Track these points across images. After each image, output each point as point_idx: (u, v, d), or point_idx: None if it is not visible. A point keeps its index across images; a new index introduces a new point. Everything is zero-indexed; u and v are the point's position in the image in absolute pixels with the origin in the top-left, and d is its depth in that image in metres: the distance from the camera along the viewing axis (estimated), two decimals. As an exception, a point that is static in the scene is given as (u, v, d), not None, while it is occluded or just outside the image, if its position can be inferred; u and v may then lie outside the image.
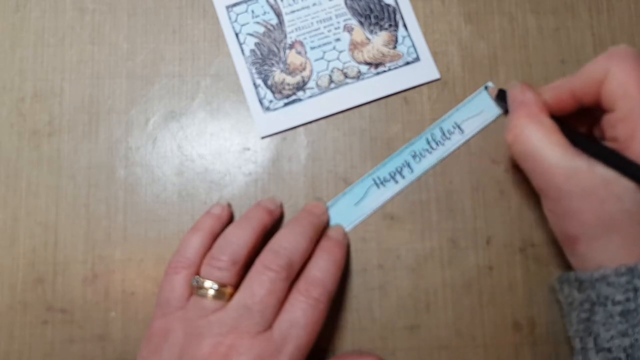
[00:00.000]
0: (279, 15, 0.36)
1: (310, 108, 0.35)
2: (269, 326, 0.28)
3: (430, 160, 0.35)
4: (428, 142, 0.35)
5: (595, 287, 0.27)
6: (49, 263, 0.34)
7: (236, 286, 0.29)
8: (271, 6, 0.36)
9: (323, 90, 0.35)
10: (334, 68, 0.36)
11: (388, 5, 0.36)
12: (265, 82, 0.36)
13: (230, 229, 0.31)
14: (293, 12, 0.36)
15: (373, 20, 0.36)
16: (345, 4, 0.36)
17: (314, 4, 0.36)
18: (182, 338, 0.28)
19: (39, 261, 0.34)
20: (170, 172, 0.35)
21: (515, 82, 0.31)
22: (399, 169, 0.34)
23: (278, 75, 0.36)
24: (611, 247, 0.26)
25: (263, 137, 0.35)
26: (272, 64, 0.36)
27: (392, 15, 0.36)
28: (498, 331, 0.33)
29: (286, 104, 0.35)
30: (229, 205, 0.34)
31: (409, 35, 0.36)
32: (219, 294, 0.28)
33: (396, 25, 0.36)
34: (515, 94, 0.30)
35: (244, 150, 0.35)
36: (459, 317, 0.33)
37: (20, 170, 0.34)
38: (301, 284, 0.29)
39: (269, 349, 0.27)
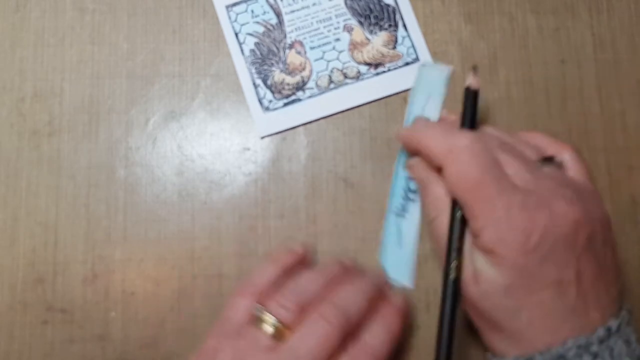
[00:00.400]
0: (278, 15, 0.36)
1: (309, 108, 0.35)
2: None
3: None
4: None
5: None
6: (49, 263, 0.34)
7: (293, 329, 0.28)
8: (271, 6, 0.36)
9: (323, 91, 0.35)
10: (333, 68, 0.36)
11: (388, 6, 0.36)
12: (264, 82, 0.36)
13: (307, 274, 0.30)
14: (293, 12, 0.36)
15: (373, 21, 0.36)
16: (345, 4, 0.36)
17: (314, 4, 0.36)
18: None
19: (39, 261, 0.34)
20: (170, 172, 0.35)
21: (412, 162, 0.32)
22: (405, 189, 0.34)
23: (278, 75, 0.36)
24: (499, 342, 0.27)
25: (262, 137, 0.35)
26: (272, 63, 0.36)
27: (391, 16, 0.36)
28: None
29: (286, 104, 0.35)
30: (310, 251, 0.34)
31: (408, 36, 0.36)
32: (277, 333, 0.28)
33: (396, 26, 0.36)
34: (421, 174, 0.31)
35: (244, 150, 0.35)
36: (459, 317, 0.33)
37: (20, 170, 0.35)
38: (353, 349, 0.28)
39: None
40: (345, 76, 0.36)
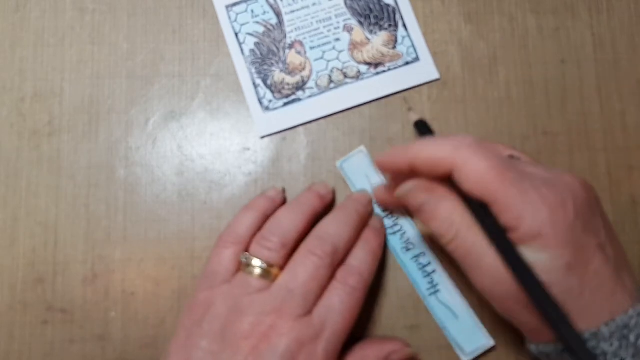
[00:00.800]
0: (278, 15, 0.36)
1: (309, 108, 0.35)
2: (310, 311, 0.28)
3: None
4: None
5: (563, 358, 0.26)
6: (49, 263, 0.34)
7: (282, 268, 0.30)
8: (271, 6, 0.36)
9: (323, 90, 0.35)
10: (333, 68, 0.36)
11: (388, 5, 0.36)
12: (264, 81, 0.36)
13: (281, 211, 0.31)
14: (293, 12, 0.36)
15: (373, 20, 0.36)
16: (345, 4, 0.36)
17: (314, 4, 0.36)
18: (225, 312, 0.28)
19: (39, 261, 0.34)
20: (170, 172, 0.35)
21: (409, 187, 0.29)
22: (420, 268, 0.34)
23: (278, 75, 0.36)
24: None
25: (262, 137, 0.35)
26: (272, 63, 0.36)
27: (391, 15, 0.36)
28: (498, 331, 0.33)
29: (286, 104, 0.35)
30: (284, 191, 0.34)
31: (408, 36, 0.36)
32: (265, 274, 0.29)
33: (396, 25, 0.36)
34: (420, 197, 0.28)
35: (244, 150, 0.35)
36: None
37: (20, 170, 0.35)
38: (339, 273, 0.30)
39: (308, 333, 0.27)
40: (345, 76, 0.36)
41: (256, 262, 0.29)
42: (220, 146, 0.35)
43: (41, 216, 0.34)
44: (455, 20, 0.37)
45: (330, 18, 0.36)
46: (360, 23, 0.36)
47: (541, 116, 0.36)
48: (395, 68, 0.36)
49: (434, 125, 0.35)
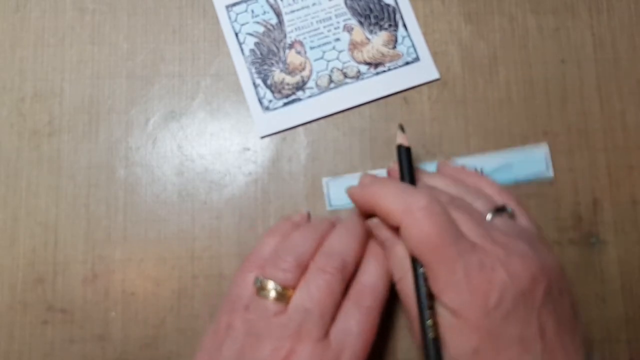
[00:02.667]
0: (278, 15, 0.36)
1: (309, 108, 0.35)
2: (327, 332, 0.28)
3: None
4: None
5: None
6: (49, 263, 0.34)
7: (297, 284, 0.29)
8: (271, 6, 0.36)
9: (322, 90, 0.35)
10: (333, 68, 0.36)
11: (388, 5, 0.36)
12: (264, 81, 0.36)
13: (296, 233, 0.31)
14: (293, 11, 0.36)
15: (373, 20, 0.36)
16: (345, 3, 0.36)
17: (314, 4, 0.36)
18: (243, 337, 0.28)
19: (39, 261, 0.34)
20: (170, 172, 0.35)
21: (373, 222, 0.30)
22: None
23: (277, 75, 0.36)
24: None
25: (262, 137, 0.35)
26: (272, 63, 0.36)
27: (391, 15, 0.36)
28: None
29: (286, 104, 0.35)
30: (309, 215, 0.34)
31: (408, 35, 0.36)
32: (280, 296, 0.28)
33: (396, 25, 0.36)
34: (381, 235, 0.30)
35: (244, 150, 0.35)
36: (458, 317, 0.33)
37: (20, 170, 0.35)
38: (353, 292, 0.29)
39: (327, 356, 0.27)
40: (345, 76, 0.36)
41: (271, 285, 0.29)
42: (220, 146, 0.35)
43: (41, 216, 0.34)
44: (455, 20, 0.37)
45: (330, 18, 0.36)
46: (360, 23, 0.36)
47: (541, 116, 0.35)
48: (395, 68, 0.36)
49: (434, 125, 0.35)
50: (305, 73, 0.36)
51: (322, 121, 0.35)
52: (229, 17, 0.36)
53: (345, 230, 0.31)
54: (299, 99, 0.35)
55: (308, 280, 0.29)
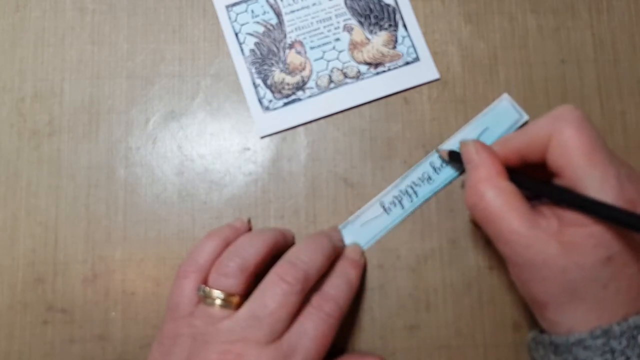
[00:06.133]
0: (278, 15, 0.36)
1: (309, 108, 0.35)
2: (279, 337, 0.27)
3: (432, 186, 0.35)
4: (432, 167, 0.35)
5: (572, 351, 0.26)
6: (49, 263, 0.34)
7: (243, 295, 0.29)
8: (271, 6, 0.36)
9: (323, 90, 0.35)
10: (333, 68, 0.36)
11: (388, 5, 0.36)
12: (264, 81, 0.36)
13: (241, 238, 0.31)
14: (293, 11, 0.36)
15: (373, 20, 0.36)
16: (345, 3, 0.36)
17: (314, 4, 0.36)
18: (190, 344, 0.27)
19: (39, 261, 0.34)
20: (170, 172, 0.35)
21: (467, 141, 0.30)
22: (403, 192, 0.34)
23: (278, 75, 0.36)
24: (579, 313, 0.26)
25: (262, 137, 0.35)
26: (272, 63, 0.36)
27: (391, 15, 0.36)
28: (498, 331, 0.33)
29: (286, 104, 0.35)
30: (249, 221, 0.34)
31: (408, 35, 0.36)
32: (225, 304, 0.28)
33: (396, 25, 0.36)
34: (470, 154, 0.29)
35: (244, 150, 0.35)
36: (459, 317, 0.33)
37: (20, 170, 0.35)
38: (314, 299, 0.29)
39: (276, 359, 0.27)
40: (345, 76, 0.36)
41: (215, 294, 0.28)
42: (220, 146, 0.35)
43: (41, 216, 0.34)
44: (455, 20, 0.37)
45: (330, 18, 0.36)
46: (360, 23, 0.36)
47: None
48: (395, 68, 0.36)
49: (433, 125, 0.35)
50: (305, 73, 0.36)
51: (322, 121, 0.35)
52: (229, 17, 0.36)
53: (313, 243, 0.30)
54: (299, 99, 0.35)
55: (264, 287, 0.28)
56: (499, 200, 0.27)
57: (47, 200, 0.34)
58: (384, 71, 0.36)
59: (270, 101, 0.35)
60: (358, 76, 0.36)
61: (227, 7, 0.36)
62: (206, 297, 0.28)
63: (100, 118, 0.35)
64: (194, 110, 0.36)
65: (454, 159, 0.33)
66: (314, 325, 0.28)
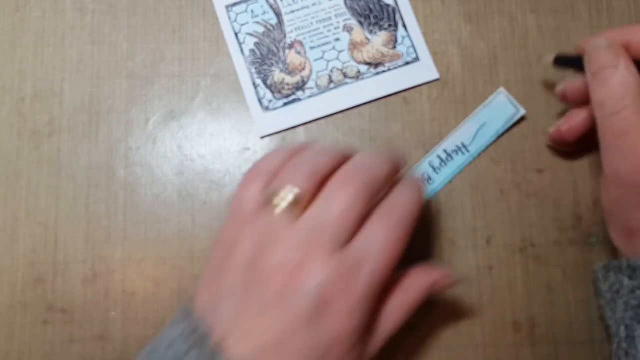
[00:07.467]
0: (278, 15, 0.36)
1: (309, 108, 0.35)
2: (345, 245, 0.25)
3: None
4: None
5: None
6: (49, 263, 0.34)
7: (310, 201, 0.26)
8: (271, 6, 0.36)
9: (322, 90, 0.35)
10: (333, 68, 0.36)
11: (388, 5, 0.36)
12: (264, 82, 0.36)
13: (315, 146, 0.28)
14: (293, 12, 0.36)
15: (373, 20, 0.36)
16: (345, 4, 0.36)
17: (314, 4, 0.36)
18: (253, 247, 0.26)
19: (39, 261, 0.34)
20: (170, 172, 0.35)
21: (599, 43, 0.27)
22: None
23: (277, 75, 0.36)
24: None
25: (262, 137, 0.35)
26: (272, 63, 0.36)
27: (391, 15, 0.36)
28: (498, 331, 0.33)
29: (285, 104, 0.35)
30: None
31: (408, 36, 0.36)
32: (293, 205, 0.26)
33: (396, 26, 0.36)
34: (606, 59, 0.27)
35: (244, 150, 0.35)
36: (459, 317, 0.33)
37: (20, 170, 0.35)
38: (380, 209, 0.27)
39: (344, 268, 0.25)
40: (345, 76, 0.36)
41: (283, 193, 0.26)
42: (220, 146, 0.35)
43: (41, 216, 0.34)
44: (455, 20, 0.37)
45: (330, 18, 0.36)
46: (360, 23, 0.36)
47: (541, 116, 0.35)
48: (395, 68, 0.36)
49: (433, 125, 0.35)
50: (305, 73, 0.36)
51: (322, 121, 0.35)
52: (229, 17, 0.36)
53: (382, 155, 0.28)
54: (299, 99, 0.35)
55: (330, 190, 0.26)
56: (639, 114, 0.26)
57: (47, 200, 0.34)
58: (383, 71, 0.36)
59: (270, 101, 0.35)
60: (358, 76, 0.36)
61: (227, 7, 0.36)
62: (272, 200, 0.26)
63: (100, 118, 0.35)
64: (194, 110, 0.36)
65: (564, 63, 0.32)
66: (381, 235, 0.26)
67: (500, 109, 0.35)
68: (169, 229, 0.34)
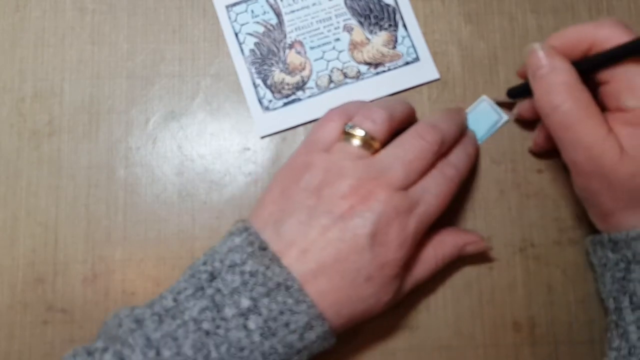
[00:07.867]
0: (278, 15, 0.36)
1: (309, 108, 0.35)
2: (407, 187, 0.29)
3: None
4: None
5: (630, 246, 0.27)
6: (49, 263, 0.34)
7: (383, 143, 0.30)
8: (271, 6, 0.36)
9: (322, 90, 0.35)
10: (333, 68, 0.36)
11: (388, 5, 0.36)
12: (264, 81, 0.36)
13: (391, 98, 0.32)
14: (293, 12, 0.36)
15: (373, 20, 0.36)
16: (345, 3, 0.36)
17: (314, 4, 0.36)
18: (324, 173, 0.28)
19: (39, 261, 0.34)
20: (170, 172, 0.35)
21: (534, 46, 0.29)
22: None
23: (277, 75, 0.36)
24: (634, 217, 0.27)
25: (262, 137, 0.35)
26: (272, 63, 0.36)
27: (391, 15, 0.36)
28: (498, 331, 0.33)
29: (285, 104, 0.35)
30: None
31: (408, 36, 0.36)
32: (366, 144, 0.29)
33: (396, 25, 0.36)
34: (539, 60, 0.28)
35: (244, 150, 0.35)
36: (459, 317, 0.33)
37: (20, 170, 0.35)
38: (440, 164, 0.30)
39: (404, 205, 0.28)
40: (345, 76, 0.36)
41: (359, 132, 0.29)
42: (220, 146, 0.35)
43: (41, 216, 0.34)
44: (455, 20, 0.37)
45: (330, 18, 0.36)
46: (360, 23, 0.36)
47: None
48: (395, 68, 0.36)
49: (434, 125, 0.35)
50: (305, 73, 0.36)
51: (322, 121, 0.35)
52: (229, 17, 0.36)
53: (452, 114, 0.32)
54: (299, 99, 0.35)
55: (404, 139, 0.30)
56: (577, 107, 0.27)
57: (47, 200, 0.34)
58: (384, 71, 0.36)
59: (270, 101, 0.35)
60: (358, 76, 0.36)
61: (227, 7, 0.36)
62: (349, 134, 0.29)
63: (100, 118, 0.35)
64: (194, 110, 0.36)
65: (517, 94, 0.34)
66: (437, 184, 0.29)
67: (483, 115, 0.35)
68: (169, 229, 0.34)
